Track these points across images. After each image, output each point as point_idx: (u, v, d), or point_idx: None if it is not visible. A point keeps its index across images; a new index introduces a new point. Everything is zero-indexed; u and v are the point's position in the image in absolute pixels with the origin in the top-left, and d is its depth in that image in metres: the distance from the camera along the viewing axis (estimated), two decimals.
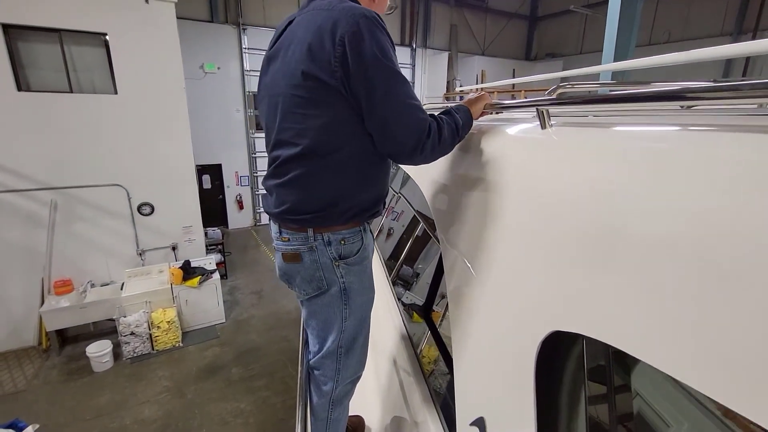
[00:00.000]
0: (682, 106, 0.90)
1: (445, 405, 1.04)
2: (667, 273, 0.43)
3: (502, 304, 0.76)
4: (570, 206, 0.61)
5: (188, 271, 4.01)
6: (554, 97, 0.83)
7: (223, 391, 3.20)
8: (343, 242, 0.97)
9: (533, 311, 0.65)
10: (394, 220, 4.26)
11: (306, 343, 1.18)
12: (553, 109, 0.87)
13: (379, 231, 3.27)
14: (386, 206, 1.16)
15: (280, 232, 1.00)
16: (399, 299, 2.02)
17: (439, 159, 1.06)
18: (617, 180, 0.55)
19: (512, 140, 0.93)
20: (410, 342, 1.37)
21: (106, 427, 2.86)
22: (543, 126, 0.77)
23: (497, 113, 1.10)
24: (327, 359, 1.06)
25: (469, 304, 0.89)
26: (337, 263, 0.97)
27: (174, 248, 4.35)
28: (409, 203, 2.39)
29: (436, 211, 1.24)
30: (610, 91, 1.04)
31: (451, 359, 1.07)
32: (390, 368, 1.34)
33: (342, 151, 0.92)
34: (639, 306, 0.45)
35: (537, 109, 0.77)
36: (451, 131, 0.95)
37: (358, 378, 1.14)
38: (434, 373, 1.18)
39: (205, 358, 3.65)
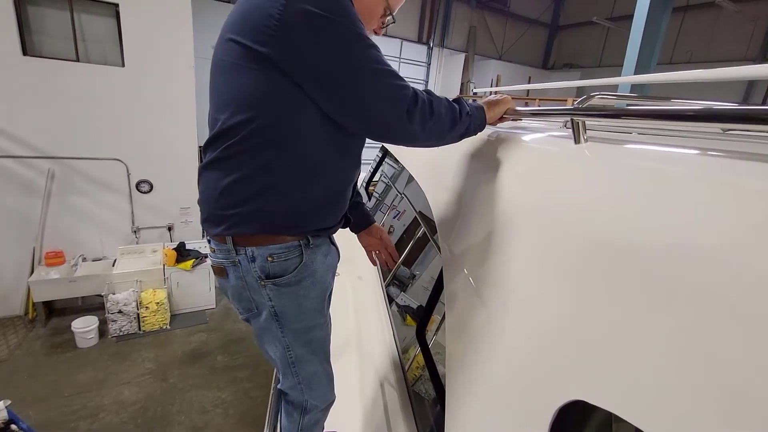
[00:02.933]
0: (723, 130, 0.81)
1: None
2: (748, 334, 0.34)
3: (512, 357, 0.64)
4: (611, 245, 0.51)
5: (182, 253, 3.94)
6: (587, 106, 0.72)
7: (206, 379, 3.14)
8: (270, 259, 0.81)
9: (551, 371, 0.54)
10: (395, 218, 4.17)
11: None
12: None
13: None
14: (348, 220, 1.04)
15: (209, 240, 0.87)
16: (393, 302, 1.94)
17: (450, 166, 0.96)
18: (678, 220, 0.44)
19: (539, 154, 0.81)
20: (400, 362, 1.30)
21: (84, 405, 2.80)
22: (577, 140, 0.67)
23: (516, 120, 1.00)
24: (291, 390, 0.97)
25: (470, 352, 0.77)
26: (263, 283, 0.82)
27: (170, 228, 4.28)
28: (412, 205, 2.31)
29: (443, 226, 1.14)
30: (640, 105, 0.95)
31: (443, 387, 0.99)
32: (375, 384, 1.27)
33: (265, 132, 0.73)
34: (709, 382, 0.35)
35: (572, 120, 0.67)
36: (448, 110, 0.80)
37: (330, 404, 1.05)
38: (423, 399, 1.11)
39: (192, 343, 3.59)
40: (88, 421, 2.68)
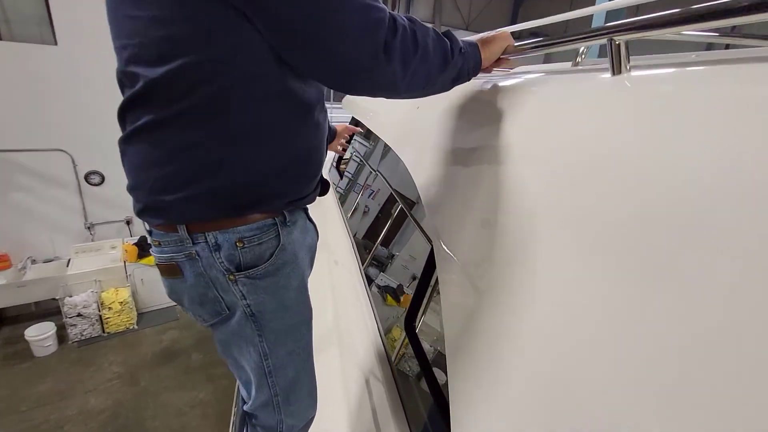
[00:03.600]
0: None
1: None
2: None
3: (532, 348, 0.52)
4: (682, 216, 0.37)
5: (144, 247, 3.67)
6: (630, 22, 0.49)
7: (181, 379, 2.97)
8: (240, 245, 0.65)
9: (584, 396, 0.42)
10: (369, 197, 4.02)
11: None
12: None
13: (354, 211, 3.06)
14: (327, 186, 0.86)
15: (150, 232, 0.70)
16: (372, 282, 1.82)
17: (436, 127, 0.79)
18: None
19: (562, 96, 0.63)
20: (386, 353, 1.18)
21: (46, 418, 2.59)
22: (616, 69, 0.52)
23: (511, 67, 0.81)
24: (262, 409, 0.80)
25: (478, 344, 0.63)
26: (232, 277, 0.66)
27: (128, 222, 3.97)
28: (388, 183, 2.17)
29: (431, 202, 0.97)
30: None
31: (435, 381, 0.89)
32: (359, 377, 1.15)
33: (211, 84, 0.56)
34: None
35: (611, 42, 0.51)
36: (437, 44, 0.63)
37: (311, 419, 0.90)
38: (413, 393, 1.00)
39: (162, 342, 3.39)
40: None
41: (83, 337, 3.32)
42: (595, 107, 0.56)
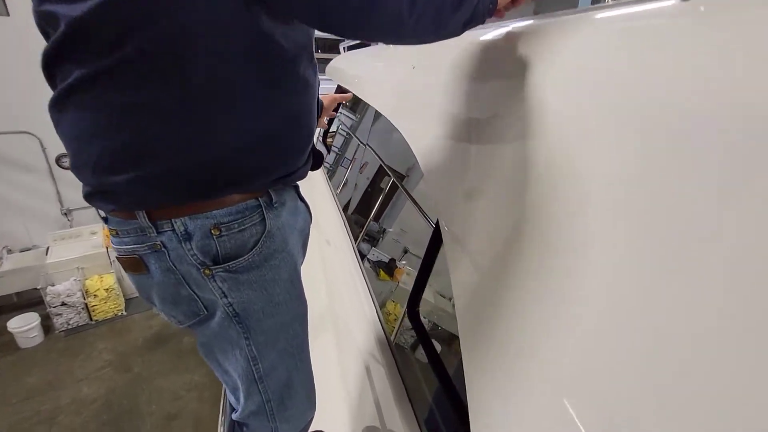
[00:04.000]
0: None
1: (431, 419, 0.83)
2: None
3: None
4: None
5: None
6: None
7: (174, 363, 2.93)
8: (216, 233, 0.55)
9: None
10: (359, 172, 3.92)
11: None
12: None
13: (343, 186, 2.97)
14: (321, 159, 0.76)
15: (105, 219, 0.60)
16: (364, 258, 1.76)
17: (436, 87, 0.68)
18: None
19: (620, 34, 0.50)
20: (386, 339, 1.12)
21: (37, 410, 2.54)
22: None
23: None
24: (254, 418, 0.72)
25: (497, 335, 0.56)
26: (208, 272, 0.56)
27: None
28: (379, 157, 2.07)
29: (433, 171, 0.86)
30: None
31: (443, 367, 0.83)
32: (359, 362, 1.10)
33: (151, 28, 0.44)
34: None
35: None
36: None
37: (310, 421, 0.82)
38: (413, 369, 0.96)
39: (152, 327, 3.32)
40: (44, 426, 2.43)
41: (70, 326, 3.23)
42: (662, 40, 0.42)
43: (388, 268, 5.02)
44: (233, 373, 0.67)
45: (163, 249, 0.56)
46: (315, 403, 0.80)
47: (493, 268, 0.57)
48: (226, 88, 0.51)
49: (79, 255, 3.33)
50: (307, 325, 0.74)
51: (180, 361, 2.95)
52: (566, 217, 0.46)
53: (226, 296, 0.59)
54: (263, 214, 0.59)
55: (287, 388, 0.70)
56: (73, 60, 0.49)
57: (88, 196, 0.57)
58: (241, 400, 0.70)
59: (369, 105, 2.59)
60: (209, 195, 0.55)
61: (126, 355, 3.01)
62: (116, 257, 0.61)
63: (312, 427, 0.95)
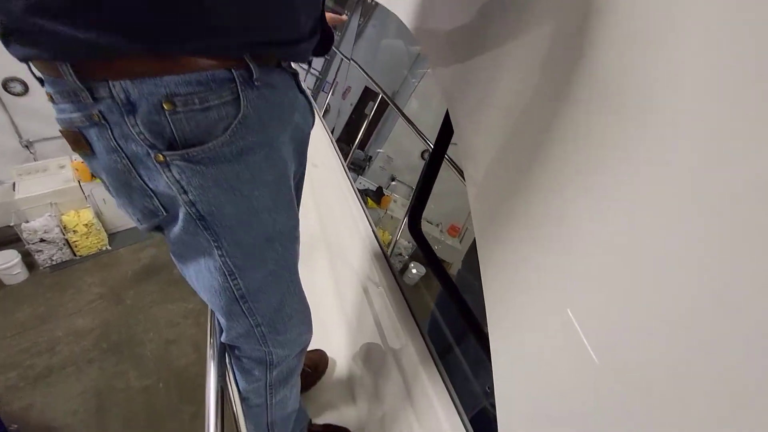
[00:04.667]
0: None
1: (434, 327, 0.83)
2: None
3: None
4: None
5: None
6: None
7: (167, 293, 2.96)
8: (169, 107, 0.43)
9: None
10: (342, 98, 3.65)
11: None
12: None
13: (324, 112, 2.78)
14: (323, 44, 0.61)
15: (41, 82, 0.47)
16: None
17: None
18: None
19: None
20: (380, 248, 1.09)
21: (34, 341, 2.57)
22: None
23: None
24: (243, 340, 0.66)
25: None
26: (161, 159, 0.45)
27: None
28: (365, 72, 1.90)
29: (444, 60, 0.70)
30: None
31: (448, 278, 0.81)
32: (355, 282, 1.09)
33: None
34: None
35: None
36: None
37: (307, 343, 0.78)
38: (419, 291, 0.94)
39: (141, 260, 3.30)
40: (45, 356, 2.48)
41: (54, 262, 3.17)
42: None
43: (376, 196, 4.96)
44: (210, 288, 0.58)
45: (103, 122, 0.43)
46: (311, 325, 0.75)
47: (510, 161, 0.51)
48: None
49: (51, 190, 3.15)
50: (297, 243, 0.65)
51: (173, 291, 2.98)
52: (591, 101, 0.39)
53: (185, 192, 0.47)
54: (237, 91, 0.46)
55: (279, 312, 0.64)
56: None
57: (4, 37, 0.41)
58: (223, 320, 0.63)
59: (350, 18, 2.32)
60: (159, 49, 0.40)
61: (117, 288, 3.01)
62: (60, 131, 0.47)
63: (310, 347, 0.95)
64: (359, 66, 2.00)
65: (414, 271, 4.00)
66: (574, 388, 0.39)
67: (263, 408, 0.77)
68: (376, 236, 1.10)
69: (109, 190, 0.52)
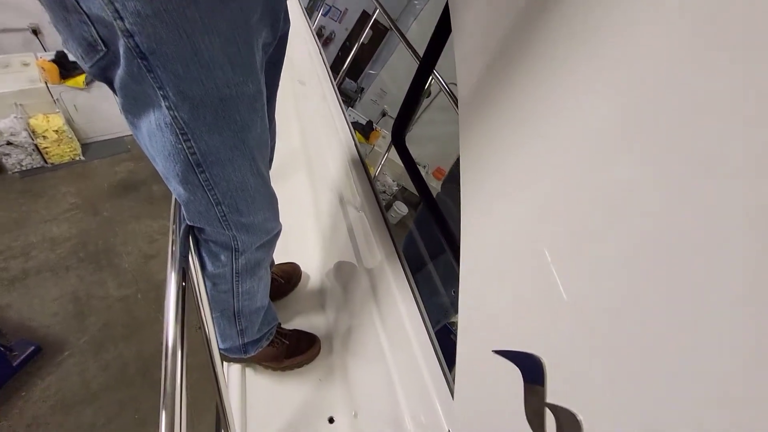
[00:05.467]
0: None
1: (409, 245, 0.83)
2: None
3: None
4: None
5: (65, 66, 3.06)
6: None
7: (146, 209, 2.92)
8: None
9: None
10: (336, 21, 3.42)
11: None
12: None
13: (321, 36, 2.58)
14: None
15: None
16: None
17: None
18: None
19: None
20: (363, 167, 1.06)
21: (8, 246, 2.54)
22: None
23: None
24: (204, 220, 0.62)
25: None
26: None
27: (36, 32, 3.22)
28: None
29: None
30: None
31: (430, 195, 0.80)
32: (334, 201, 1.07)
33: None
34: None
35: None
36: None
37: (276, 236, 0.76)
38: (392, 203, 0.93)
39: (117, 173, 3.19)
40: (19, 260, 2.47)
41: (23, 168, 3.04)
42: None
43: (365, 130, 4.82)
44: (162, 150, 0.53)
45: None
46: (278, 213, 0.73)
47: (502, 60, 0.48)
48: None
49: (15, 90, 2.92)
50: (264, 123, 0.60)
51: (152, 207, 2.93)
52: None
53: (121, 18, 0.41)
54: None
55: (241, 191, 0.60)
56: None
57: None
58: (182, 194, 0.58)
59: None
60: None
61: (93, 199, 2.94)
62: None
63: (285, 259, 0.95)
64: None
65: (397, 209, 4.03)
66: (532, 299, 0.40)
67: (230, 294, 0.78)
68: (357, 149, 1.06)
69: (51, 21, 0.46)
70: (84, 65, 0.49)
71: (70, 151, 3.18)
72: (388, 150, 1.03)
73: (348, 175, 1.02)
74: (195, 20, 0.44)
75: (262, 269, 0.80)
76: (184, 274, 0.62)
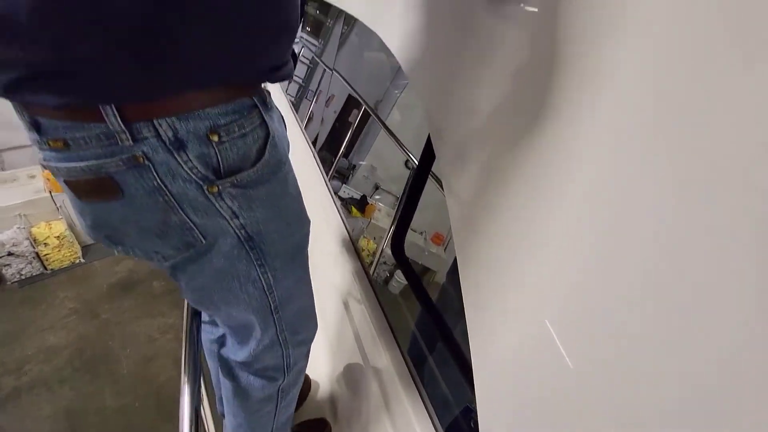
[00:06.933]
0: None
1: (414, 346, 0.83)
2: None
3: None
4: None
5: None
6: None
7: (146, 308, 2.87)
8: (215, 138, 0.45)
9: None
10: (325, 105, 3.66)
11: (197, 314, 0.73)
12: None
13: (309, 120, 2.77)
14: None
15: (36, 124, 0.43)
16: (335, 195, 1.68)
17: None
18: None
19: None
20: (363, 269, 1.08)
21: (1, 362, 2.45)
22: None
23: None
24: (267, 352, 0.67)
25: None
26: (214, 189, 0.47)
27: None
28: (347, 83, 1.90)
29: (426, 87, 0.72)
30: None
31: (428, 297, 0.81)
32: (336, 299, 1.07)
33: None
34: None
35: None
36: None
37: (314, 336, 0.79)
38: (400, 310, 0.94)
39: (117, 273, 3.19)
40: (12, 376, 2.36)
41: (23, 277, 3.04)
42: None
43: (360, 205, 4.94)
44: (242, 311, 0.60)
45: (146, 163, 0.43)
46: (317, 320, 0.77)
47: (492, 184, 0.52)
48: None
49: (20, 201, 3.03)
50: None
51: (151, 305, 2.89)
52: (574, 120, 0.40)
53: (237, 217, 0.50)
54: (262, 115, 0.50)
55: (300, 314, 0.66)
56: None
57: (27, 82, 0.37)
58: (254, 337, 0.64)
59: (333, 27, 2.32)
60: (199, 84, 0.43)
61: (91, 303, 2.90)
62: (67, 180, 0.44)
63: None
64: (342, 77, 2.00)
65: (399, 279, 4.00)
66: (551, 392, 0.40)
67: (271, 415, 0.78)
68: (357, 252, 1.09)
69: (117, 237, 0.51)
70: (161, 262, 0.54)
71: (71, 254, 3.20)
72: (382, 246, 1.06)
73: (347, 273, 1.04)
74: (280, 194, 0.54)
75: (303, 373, 0.81)
76: (197, 413, 0.60)
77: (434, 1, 0.71)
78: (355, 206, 4.87)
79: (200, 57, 0.42)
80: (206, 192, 0.47)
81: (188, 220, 0.49)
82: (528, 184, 0.45)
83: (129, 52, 0.38)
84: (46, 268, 3.12)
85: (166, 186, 0.45)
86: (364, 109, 1.86)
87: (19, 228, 2.97)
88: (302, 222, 0.61)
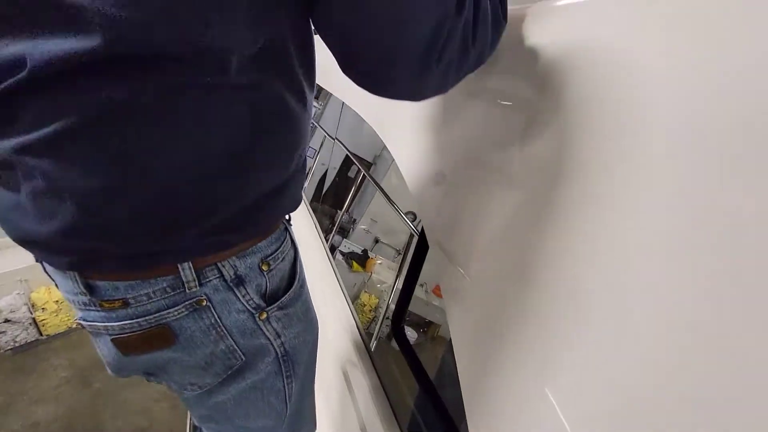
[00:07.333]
0: None
1: (413, 425, 0.80)
2: None
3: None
4: None
5: None
6: None
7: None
8: (266, 268, 0.49)
9: None
10: (323, 164, 3.79)
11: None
12: None
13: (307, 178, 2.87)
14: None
15: (90, 289, 0.43)
16: (335, 250, 1.70)
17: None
18: None
19: None
20: (362, 341, 1.08)
21: None
22: None
23: None
24: None
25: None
26: (264, 316, 0.50)
27: None
28: (349, 152, 2.00)
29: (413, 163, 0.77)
30: None
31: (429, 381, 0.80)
32: (337, 372, 1.06)
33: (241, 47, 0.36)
34: None
35: None
36: (489, 15, 0.42)
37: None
38: (391, 375, 0.93)
39: None
40: None
41: (17, 344, 2.96)
42: None
43: (361, 259, 4.95)
44: (254, 421, 0.58)
45: (207, 304, 0.45)
46: (316, 420, 0.75)
47: (485, 272, 0.55)
48: (288, 115, 0.44)
49: (22, 266, 3.04)
50: None
51: None
52: (569, 213, 0.43)
53: (279, 336, 0.52)
54: (289, 235, 0.54)
55: (298, 413, 0.65)
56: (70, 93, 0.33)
57: (99, 254, 0.40)
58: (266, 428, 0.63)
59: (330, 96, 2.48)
60: (262, 227, 0.48)
61: (85, 370, 2.81)
62: (115, 339, 0.43)
63: None
64: (344, 145, 2.11)
65: (406, 335, 3.88)
66: None
67: None
68: (356, 320, 1.09)
69: (155, 373, 0.51)
70: (197, 390, 0.53)
71: (68, 319, 3.15)
72: (382, 319, 1.06)
73: (346, 344, 1.04)
74: (303, 305, 0.58)
75: None
76: None
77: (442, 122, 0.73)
78: (356, 261, 4.87)
79: (256, 215, 0.46)
80: (256, 319, 0.50)
81: (234, 345, 0.49)
82: (528, 279, 0.47)
83: (223, 232, 0.43)
84: (41, 334, 3.06)
85: (221, 320, 0.47)
86: (363, 163, 1.95)
87: (18, 294, 2.95)
88: (315, 323, 0.63)
